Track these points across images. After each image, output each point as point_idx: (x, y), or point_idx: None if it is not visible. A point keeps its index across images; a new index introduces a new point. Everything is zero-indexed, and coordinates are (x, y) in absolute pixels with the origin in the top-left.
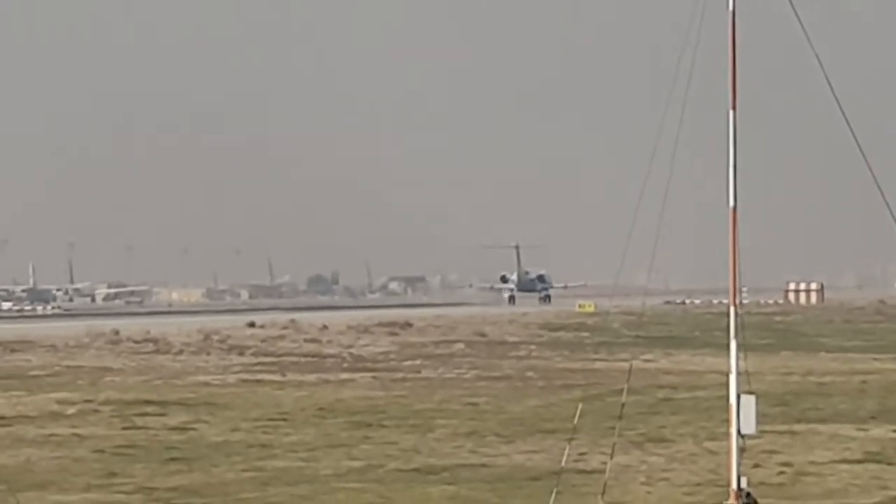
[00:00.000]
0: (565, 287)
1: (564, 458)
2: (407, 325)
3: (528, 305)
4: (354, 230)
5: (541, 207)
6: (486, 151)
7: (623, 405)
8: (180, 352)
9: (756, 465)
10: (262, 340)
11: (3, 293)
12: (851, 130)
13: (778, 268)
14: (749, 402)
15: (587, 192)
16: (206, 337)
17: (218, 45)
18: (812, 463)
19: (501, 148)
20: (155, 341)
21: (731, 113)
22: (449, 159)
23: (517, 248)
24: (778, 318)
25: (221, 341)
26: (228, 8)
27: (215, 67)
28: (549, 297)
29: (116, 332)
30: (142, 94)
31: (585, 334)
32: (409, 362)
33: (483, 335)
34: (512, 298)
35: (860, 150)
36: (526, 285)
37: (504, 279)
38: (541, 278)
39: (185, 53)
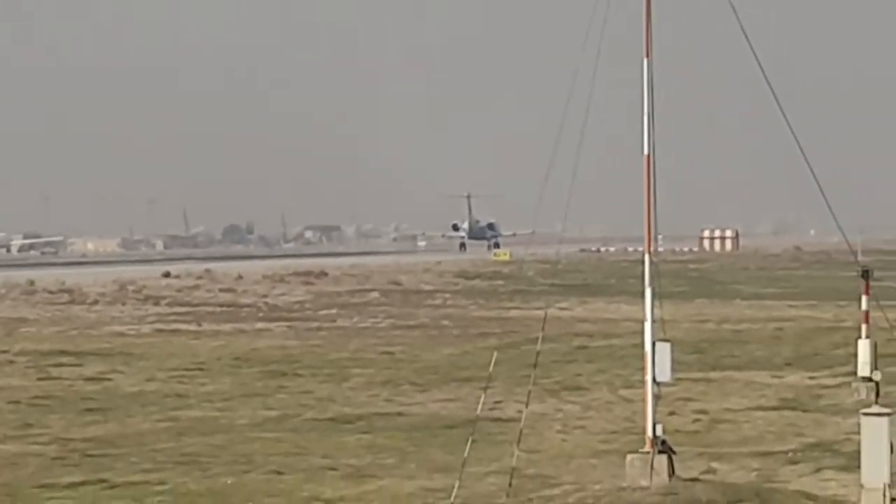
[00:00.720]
0: (514, 235)
1: (480, 406)
2: (322, 274)
3: (479, 252)
4: (270, 179)
5: (492, 157)
6: (435, 100)
7: (538, 353)
8: (95, 302)
9: (672, 413)
10: (178, 290)
11: None
12: (766, 78)
13: (693, 215)
14: (664, 349)
15: (536, 141)
16: (122, 287)
17: None
18: (727, 410)
19: (448, 97)
20: (70, 292)
21: (644, 61)
22: (398, 109)
23: (468, 197)
24: (693, 266)
25: (137, 291)
26: None
27: (136, 8)
28: (498, 244)
29: (31, 283)
30: (57, 41)
31: (500, 283)
32: (324, 311)
33: (398, 284)
34: (463, 245)
35: (775, 97)
36: (476, 233)
37: (455, 227)
38: (490, 226)
39: None
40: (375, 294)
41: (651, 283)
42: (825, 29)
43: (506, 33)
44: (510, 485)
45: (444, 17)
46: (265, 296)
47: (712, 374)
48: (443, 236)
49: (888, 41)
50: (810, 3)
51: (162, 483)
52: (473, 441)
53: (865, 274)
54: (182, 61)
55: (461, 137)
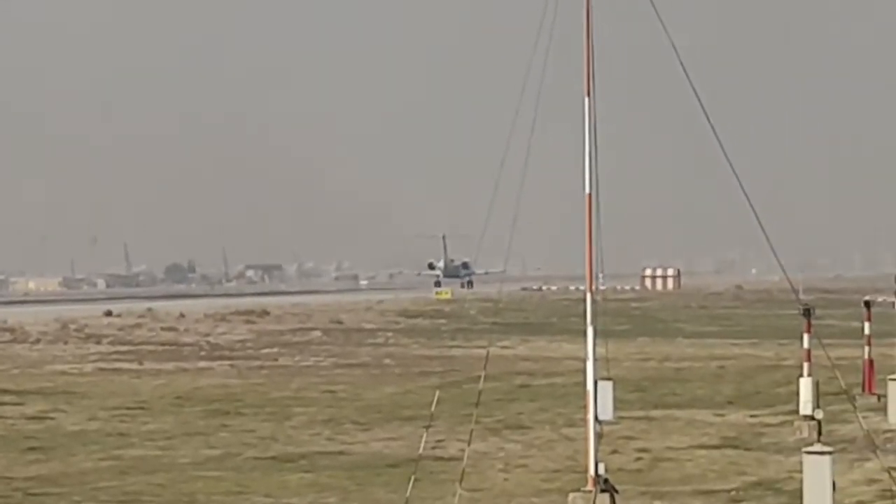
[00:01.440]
0: (486, 273)
1: (422, 445)
2: (264, 312)
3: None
4: (212, 218)
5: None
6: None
7: (480, 392)
8: (37, 341)
9: (614, 451)
10: (120, 329)
11: None
12: (708, 118)
13: (635, 254)
14: (606, 388)
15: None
16: (64, 326)
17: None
18: (669, 448)
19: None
20: (12, 330)
21: (586, 100)
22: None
23: (444, 238)
24: (635, 304)
25: (78, 330)
26: None
27: (73, 53)
28: (471, 282)
29: None
30: None
31: (442, 321)
32: (266, 350)
33: (340, 323)
34: (438, 283)
35: (716, 136)
36: (451, 272)
37: (431, 266)
38: (464, 265)
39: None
40: (317, 333)
41: (593, 322)
42: (767, 67)
43: (457, 72)
44: None
45: (401, 52)
46: (207, 335)
47: (654, 413)
48: (418, 274)
49: (829, 79)
50: (753, 41)
51: None
52: (416, 480)
53: (807, 312)
54: (124, 100)
55: (416, 174)
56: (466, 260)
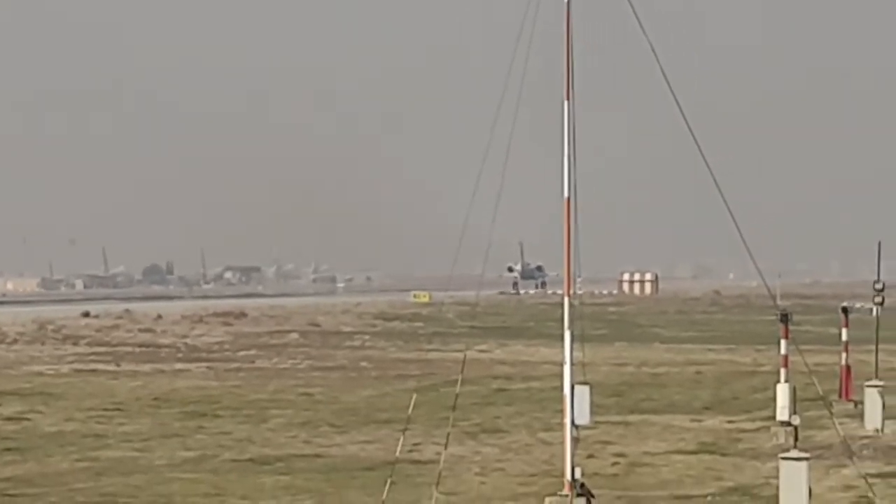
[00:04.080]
0: (557, 275)
1: (399, 448)
2: (241, 315)
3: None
4: (190, 219)
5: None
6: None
7: (457, 396)
8: (14, 341)
9: (590, 456)
10: (97, 330)
11: None
12: (687, 123)
13: (613, 258)
14: (583, 392)
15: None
16: (41, 327)
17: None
18: (646, 454)
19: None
20: None
21: (566, 104)
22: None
23: (521, 244)
24: (612, 309)
25: (56, 331)
26: None
27: (50, 54)
28: (545, 283)
29: None
30: None
31: (420, 324)
32: (243, 352)
33: (317, 325)
34: (515, 285)
35: (695, 140)
36: (528, 274)
37: (510, 269)
38: (539, 268)
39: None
40: (295, 335)
41: (570, 326)
42: (743, 72)
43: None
44: None
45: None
46: (185, 336)
47: (631, 418)
48: (500, 276)
49: (809, 84)
50: (731, 47)
51: None
52: (392, 483)
53: (784, 318)
54: (99, 99)
55: (396, 177)
56: (540, 264)
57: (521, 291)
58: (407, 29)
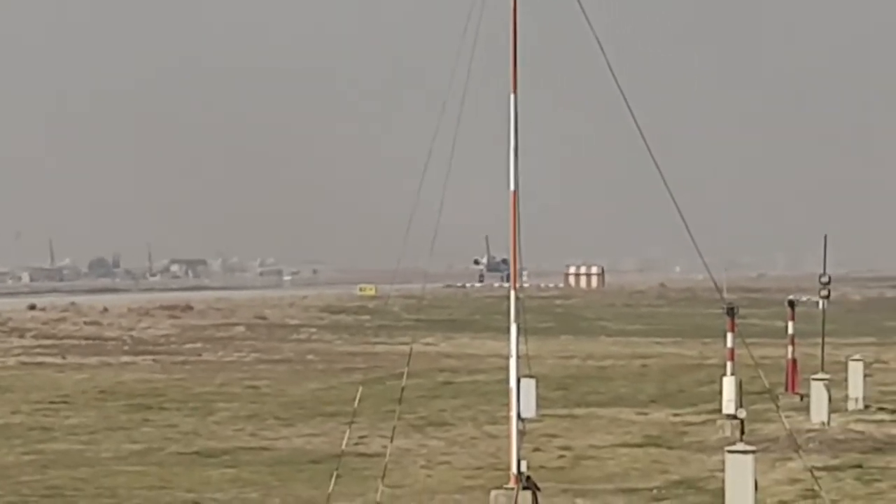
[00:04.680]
0: (524, 268)
1: (345, 441)
2: (188, 307)
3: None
4: (136, 212)
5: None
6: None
7: (403, 389)
8: None
9: (536, 449)
10: (43, 323)
11: None
12: (633, 117)
13: (559, 251)
14: (529, 385)
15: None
16: None
17: None
18: (592, 447)
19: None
20: None
21: (511, 96)
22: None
23: (486, 238)
24: (558, 302)
25: (2, 324)
26: None
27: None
28: (510, 275)
29: None
30: None
31: (366, 317)
32: (189, 345)
33: (264, 318)
34: (482, 277)
35: (641, 133)
36: (493, 267)
37: (476, 262)
38: (504, 261)
39: None
40: (241, 328)
41: (516, 319)
42: (694, 66)
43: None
44: None
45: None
46: (131, 329)
47: (577, 411)
48: (467, 268)
49: (756, 79)
50: (678, 44)
51: None
52: (338, 476)
53: (730, 311)
54: (50, 87)
55: (343, 169)
56: (506, 257)
57: (497, 284)
58: (354, 20)
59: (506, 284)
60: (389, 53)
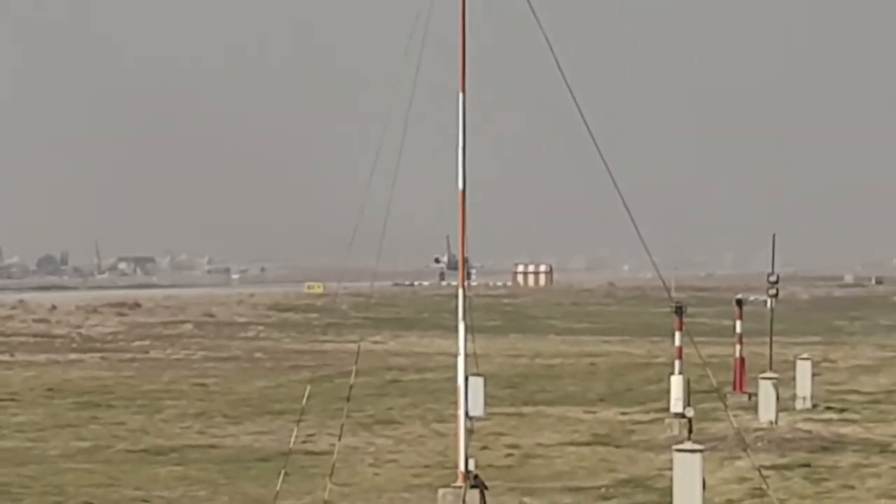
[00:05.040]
0: (482, 266)
1: (293, 439)
2: (136, 305)
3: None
4: (84, 209)
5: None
6: None
7: (351, 387)
8: None
9: (484, 448)
10: None
11: None
12: (582, 116)
13: (507, 250)
14: (477, 384)
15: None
16: None
17: None
18: (540, 445)
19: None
20: None
21: (460, 95)
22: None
23: (447, 237)
24: (507, 301)
25: None
26: None
27: None
28: (470, 274)
29: None
30: None
31: (314, 315)
32: (137, 343)
33: (212, 316)
34: (443, 275)
35: (590, 132)
36: (453, 265)
37: (437, 260)
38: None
39: None
40: (189, 326)
41: (464, 318)
42: (642, 64)
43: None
44: None
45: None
46: (79, 326)
47: (525, 409)
48: (427, 267)
49: (704, 76)
50: (629, 38)
51: None
52: (286, 474)
53: (679, 310)
54: None
55: (292, 169)
56: (467, 256)
57: (455, 282)
58: (298, 21)
59: (454, 283)
60: (345, 53)
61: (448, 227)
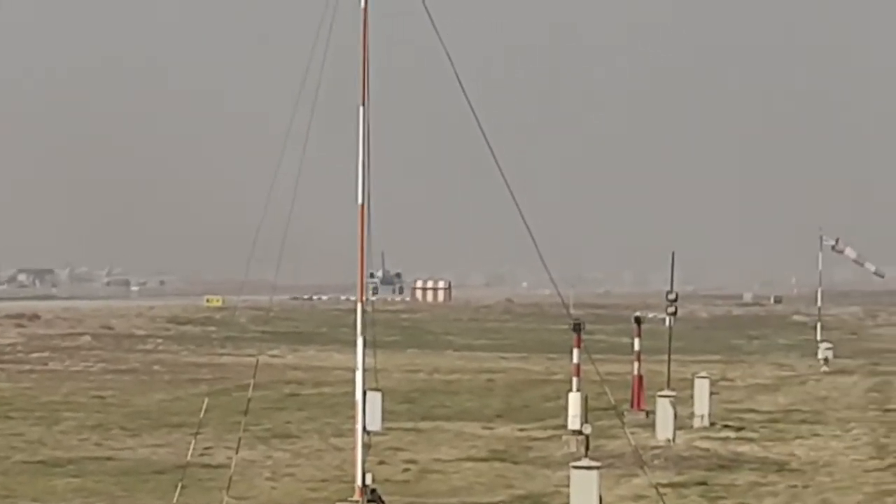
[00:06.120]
0: (413, 281)
1: (190, 452)
2: (34, 317)
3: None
4: None
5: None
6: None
7: (249, 400)
8: None
9: (382, 462)
10: None
11: None
12: (482, 129)
13: (406, 265)
14: (375, 398)
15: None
16: None
17: None
18: (437, 460)
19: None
20: None
21: (360, 109)
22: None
23: (382, 253)
24: (405, 316)
25: None
26: None
27: None
28: (402, 288)
29: None
30: None
31: (212, 328)
32: (35, 354)
33: (110, 328)
34: (375, 290)
35: (489, 146)
36: (387, 280)
37: (371, 275)
38: (398, 275)
39: None
40: (87, 338)
41: (363, 332)
42: (542, 76)
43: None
44: None
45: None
46: None
47: (423, 424)
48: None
49: (603, 86)
50: (524, 49)
51: None
52: (183, 487)
53: (577, 327)
54: None
55: (194, 178)
56: (399, 271)
57: (389, 297)
58: (191, 28)
59: (398, 297)
60: (252, 59)
61: (353, 242)
